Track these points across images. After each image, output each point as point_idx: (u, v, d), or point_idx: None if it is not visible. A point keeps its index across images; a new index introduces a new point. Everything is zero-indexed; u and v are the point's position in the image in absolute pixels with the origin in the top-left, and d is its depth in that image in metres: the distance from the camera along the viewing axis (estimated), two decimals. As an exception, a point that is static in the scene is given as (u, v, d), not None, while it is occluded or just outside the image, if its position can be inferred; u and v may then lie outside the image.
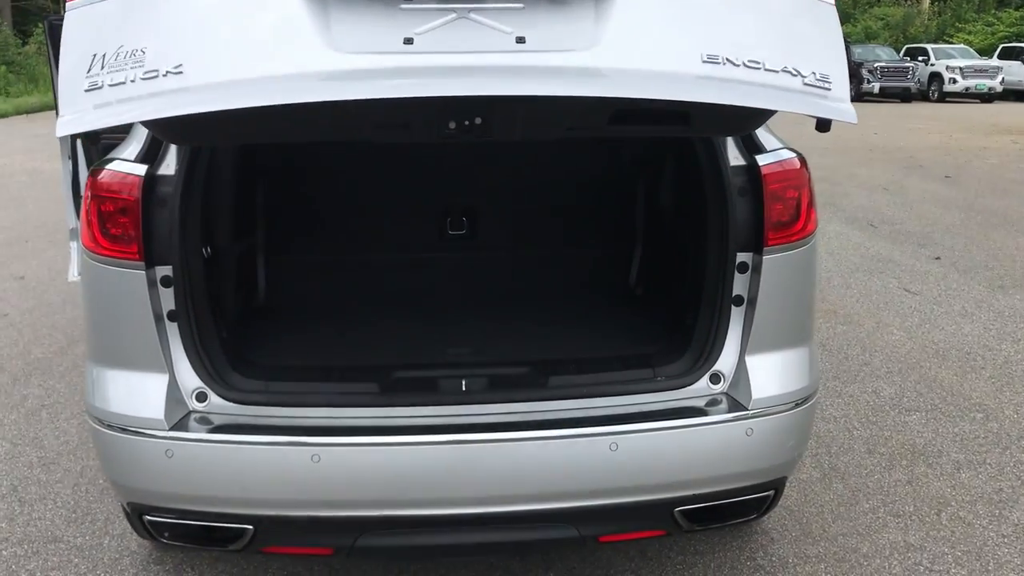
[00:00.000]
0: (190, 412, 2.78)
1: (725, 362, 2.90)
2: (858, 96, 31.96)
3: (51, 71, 3.92)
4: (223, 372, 2.83)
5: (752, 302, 2.88)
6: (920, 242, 9.24)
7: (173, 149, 2.83)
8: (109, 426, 2.75)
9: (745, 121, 2.57)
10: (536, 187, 3.74)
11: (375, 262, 3.80)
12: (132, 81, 2.08)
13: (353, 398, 2.80)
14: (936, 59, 32.70)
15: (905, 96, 31.69)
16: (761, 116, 2.53)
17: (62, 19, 2.25)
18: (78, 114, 2.09)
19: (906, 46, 36.33)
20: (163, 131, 2.51)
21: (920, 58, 33.02)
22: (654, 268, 3.81)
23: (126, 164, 2.77)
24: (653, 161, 3.72)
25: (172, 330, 2.79)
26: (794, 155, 2.95)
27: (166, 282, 2.75)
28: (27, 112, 25.26)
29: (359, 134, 2.44)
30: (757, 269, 2.86)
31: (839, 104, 2.24)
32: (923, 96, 32.22)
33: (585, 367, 2.98)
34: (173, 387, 2.77)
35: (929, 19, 44.92)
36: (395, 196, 3.72)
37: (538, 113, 2.35)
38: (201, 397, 2.79)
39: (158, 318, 2.75)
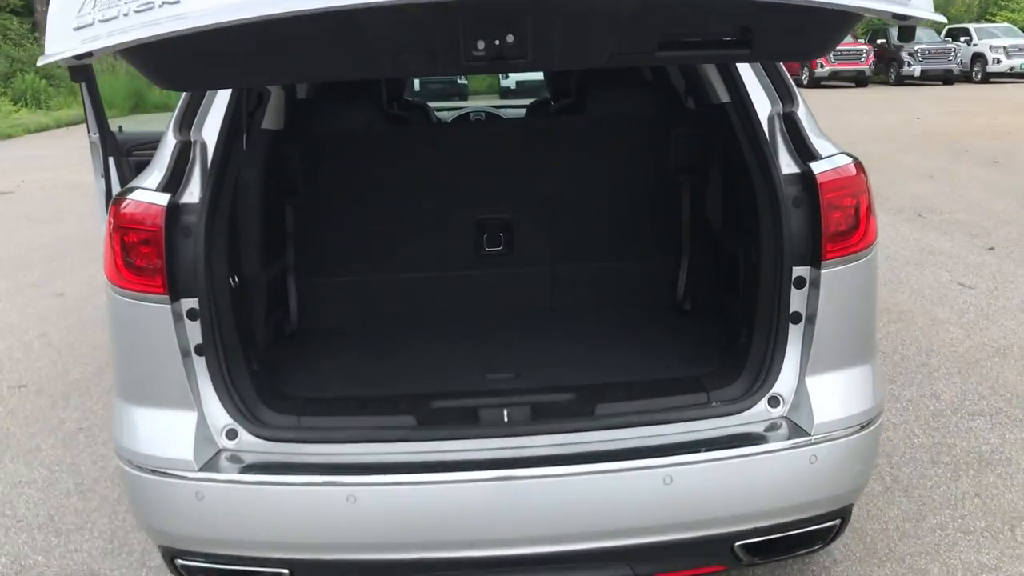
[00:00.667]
0: (220, 451, 2.66)
1: (784, 384, 2.73)
2: (899, 80, 31.41)
3: (80, 86, 3.83)
4: (254, 407, 2.71)
5: (811, 319, 2.70)
6: (971, 232, 8.93)
7: (196, 176, 2.72)
8: (137, 467, 2.65)
9: (816, 36, 2.21)
10: (575, 199, 3.58)
11: (409, 282, 3.66)
12: (125, 15, 1.88)
13: (389, 432, 2.66)
14: (979, 39, 31.97)
15: (947, 78, 31.02)
16: (836, 29, 2.16)
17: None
18: (65, 46, 1.89)
19: (947, 27, 35.56)
20: (155, 71, 2.20)
21: (962, 38, 32.31)
22: (702, 282, 3.64)
23: (148, 193, 2.65)
24: (698, 168, 3.54)
25: (200, 365, 2.67)
26: (850, 160, 2.77)
27: (192, 315, 2.64)
28: (68, 124, 25.50)
29: (376, 68, 2.20)
30: (815, 284, 2.68)
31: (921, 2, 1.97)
32: (966, 78, 31.52)
33: (634, 392, 2.82)
34: (202, 425, 2.65)
35: (970, -2, 43.98)
36: (428, 212, 3.57)
37: (579, 32, 2.07)
38: (231, 434, 2.67)
39: (185, 353, 2.64)
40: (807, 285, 2.71)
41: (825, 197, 2.68)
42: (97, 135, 3.97)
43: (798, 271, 2.70)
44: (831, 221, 2.68)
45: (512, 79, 24.74)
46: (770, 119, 2.86)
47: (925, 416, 4.81)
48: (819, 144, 2.78)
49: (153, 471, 2.61)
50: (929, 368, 5.46)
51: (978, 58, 31.47)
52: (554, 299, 3.69)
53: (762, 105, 2.89)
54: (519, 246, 3.65)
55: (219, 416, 2.67)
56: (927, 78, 30.91)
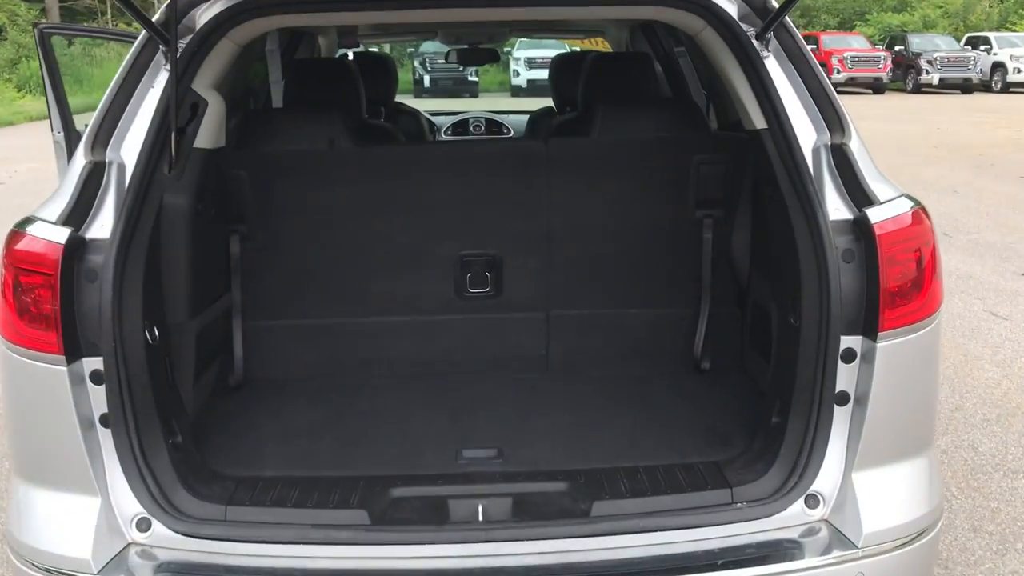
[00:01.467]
0: (129, 545, 2.17)
1: (826, 480, 2.22)
2: (916, 87, 30.84)
3: (43, 81, 3.44)
4: (171, 492, 2.21)
5: (861, 401, 2.20)
6: (1002, 255, 8.40)
7: (109, 204, 2.22)
8: (29, 563, 2.16)
9: None
10: (576, 233, 3.03)
11: (377, 327, 3.12)
12: None
13: (336, 533, 2.16)
14: (999, 48, 31.33)
15: (966, 87, 30.44)
16: None
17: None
18: None
19: (967, 35, 34.93)
20: None
21: (982, 47, 31.68)
22: (725, 337, 3.10)
23: (46, 227, 2.15)
24: (724, 202, 2.99)
25: (105, 440, 2.19)
26: (914, 205, 2.26)
27: (96, 378, 2.16)
28: (74, 112, 24.99)
29: None
30: (868, 358, 2.17)
31: None
32: (985, 87, 30.92)
33: (640, 484, 2.31)
34: (107, 514, 2.17)
35: (991, 6, 43.25)
36: (402, 246, 3.03)
37: None
38: (143, 525, 2.18)
39: (87, 425, 2.16)
40: (858, 359, 2.20)
41: (884, 251, 2.17)
42: (61, 134, 3.50)
43: (848, 342, 2.19)
44: (891, 281, 2.17)
45: (523, 77, 24.34)
46: (816, 152, 2.35)
47: (963, 472, 4.29)
48: (876, 186, 2.27)
49: (47, 571, 2.13)
50: (964, 413, 4.94)
51: (998, 67, 30.86)
52: (548, 352, 3.15)
53: (806, 134, 2.38)
54: (508, 288, 3.10)
55: (128, 503, 2.18)
56: (945, 86, 30.33)
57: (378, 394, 2.95)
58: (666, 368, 3.08)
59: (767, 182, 2.50)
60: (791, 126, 2.37)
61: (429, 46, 21.08)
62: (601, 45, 6.07)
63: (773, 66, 2.46)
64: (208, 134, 2.55)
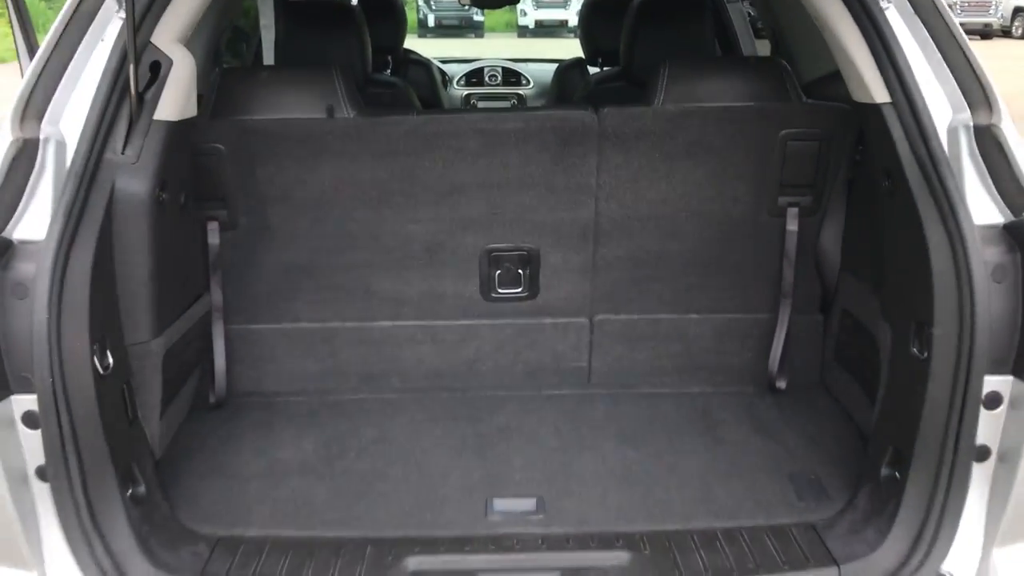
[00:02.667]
0: None
1: (960, 558, 1.76)
2: (935, 33, 29.97)
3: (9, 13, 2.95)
4: (128, 562, 1.75)
5: (1008, 457, 1.73)
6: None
7: (44, 195, 1.73)
8: None
9: None
10: (626, 223, 2.46)
11: (386, 333, 2.57)
12: None
13: None
14: (1021, -10, 30.38)
15: (985, 33, 29.49)
16: None
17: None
18: None
19: (987, -23, 33.91)
20: None
21: (1003, -10, 30.73)
22: (807, 350, 2.56)
23: None
24: (813, 188, 2.43)
25: (42, 497, 1.72)
26: None
27: (30, 421, 1.68)
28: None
29: None
30: (1019, 404, 1.69)
31: None
32: (1005, 33, 30.00)
33: (721, 557, 1.83)
34: None
35: (1011, -53, 42.07)
36: (418, 236, 2.46)
37: None
38: None
39: (17, 479, 1.69)
40: (1005, 405, 1.72)
41: None
42: None
43: (993, 383, 1.71)
44: None
45: (530, 17, 23.48)
46: (952, 133, 1.83)
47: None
48: None
49: None
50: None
51: (1020, 12, 29.91)
52: (591, 364, 2.62)
53: (940, 111, 1.86)
54: (545, 288, 2.55)
55: None
56: (964, 32, 29.44)
57: (387, 416, 2.45)
58: (734, 386, 2.56)
59: (884, 171, 1.97)
60: (923, 100, 1.85)
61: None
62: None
63: (896, 19, 1.94)
64: (174, 102, 2.01)
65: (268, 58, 3.60)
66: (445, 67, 5.43)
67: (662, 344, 2.56)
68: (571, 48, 4.98)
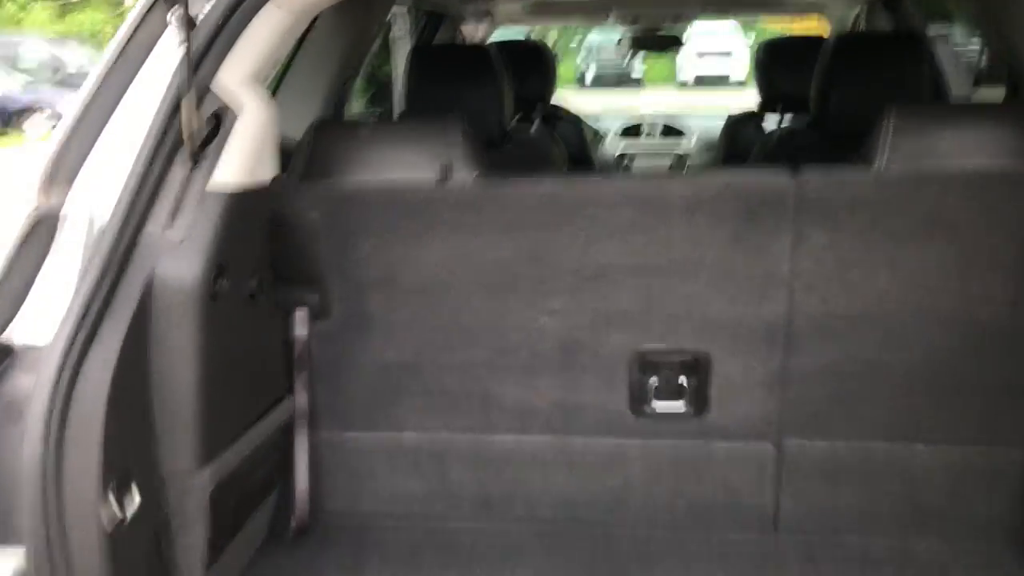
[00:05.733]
0: None
1: None
2: None
3: None
4: None
5: None
6: None
7: (60, 283, 1.32)
8: None
9: None
10: (831, 324, 1.86)
11: (506, 451, 2.03)
12: None
13: None
14: None
15: None
16: None
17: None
18: None
19: None
20: None
21: None
22: None
23: None
24: None
25: None
26: None
27: None
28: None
29: None
30: None
31: None
32: None
33: None
34: None
35: None
36: (551, 333, 1.94)
37: None
38: None
39: None
40: None
41: None
42: None
43: None
44: None
45: (689, 72, 22.89)
46: None
47: None
48: None
49: None
50: None
51: None
52: (778, 506, 2.01)
53: None
54: (717, 403, 1.97)
55: None
56: None
57: (510, 554, 1.94)
58: (977, 543, 1.92)
59: None
60: None
61: (595, 36, 20.08)
62: (815, 27, 4.85)
63: None
64: (241, 161, 1.59)
65: (398, 109, 3.23)
66: (599, 125, 4.98)
67: (876, 482, 1.96)
68: (738, 99, 4.46)
